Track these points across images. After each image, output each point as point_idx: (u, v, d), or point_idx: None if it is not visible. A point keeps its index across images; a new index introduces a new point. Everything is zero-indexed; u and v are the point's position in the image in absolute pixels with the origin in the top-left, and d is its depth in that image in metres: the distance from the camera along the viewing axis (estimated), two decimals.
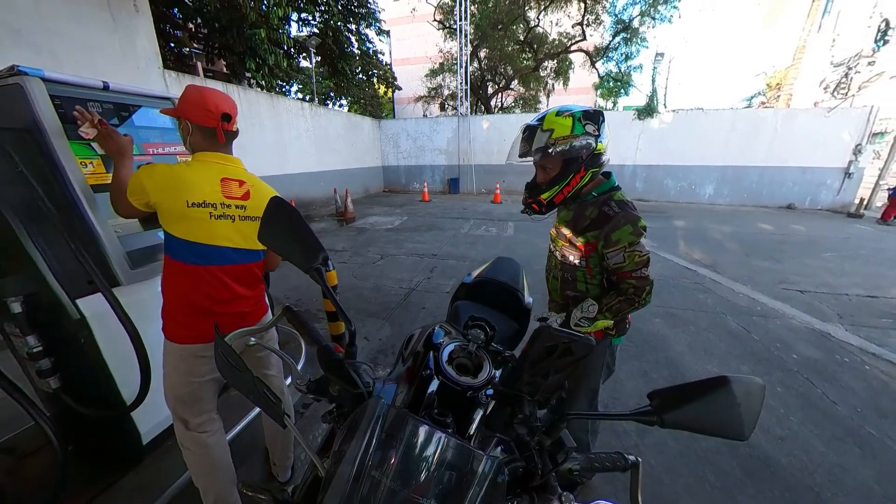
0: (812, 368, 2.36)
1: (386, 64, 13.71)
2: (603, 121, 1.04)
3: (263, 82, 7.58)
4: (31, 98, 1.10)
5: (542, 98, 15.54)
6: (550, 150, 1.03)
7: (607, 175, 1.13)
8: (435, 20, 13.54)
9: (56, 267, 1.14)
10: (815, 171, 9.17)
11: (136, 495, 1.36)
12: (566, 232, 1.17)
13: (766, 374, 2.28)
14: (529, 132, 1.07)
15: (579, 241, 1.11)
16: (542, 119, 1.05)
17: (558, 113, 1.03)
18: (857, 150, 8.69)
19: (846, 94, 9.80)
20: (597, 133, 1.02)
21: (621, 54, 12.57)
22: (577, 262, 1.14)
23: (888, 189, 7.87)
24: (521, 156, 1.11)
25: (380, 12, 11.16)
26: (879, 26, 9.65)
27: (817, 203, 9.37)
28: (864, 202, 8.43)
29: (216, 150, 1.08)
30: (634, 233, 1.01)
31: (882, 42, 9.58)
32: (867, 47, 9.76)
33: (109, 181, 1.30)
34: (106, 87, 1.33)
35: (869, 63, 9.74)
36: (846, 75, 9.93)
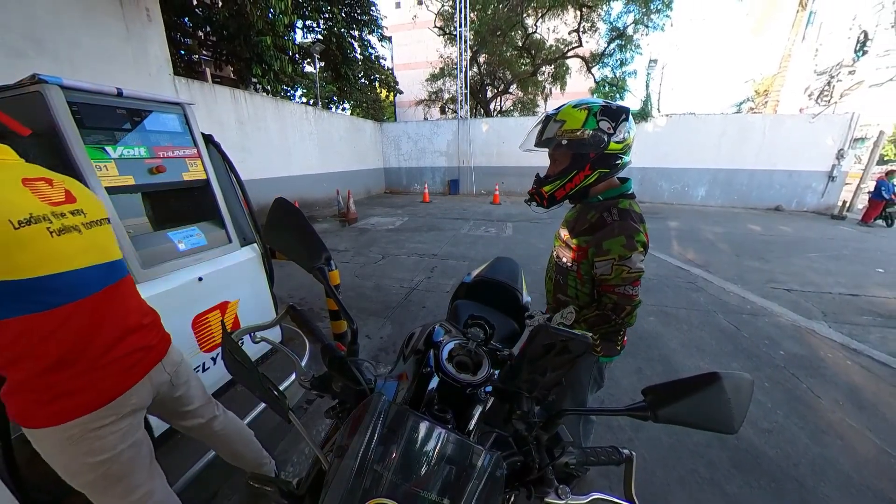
0: (798, 364, 2.37)
1: (388, 69, 13.68)
2: (625, 119, 0.93)
3: (269, 87, 7.57)
4: (50, 104, 1.12)
5: (540, 102, 15.52)
6: (557, 142, 0.95)
7: (624, 180, 1.03)
8: (435, 26, 13.51)
9: None
10: (800, 174, 9.19)
11: None
12: (564, 232, 1.11)
13: (754, 370, 2.29)
14: (545, 121, 1.00)
15: (573, 244, 1.04)
16: (559, 109, 0.98)
17: (577, 105, 0.95)
18: (840, 155, 8.73)
19: (829, 101, 9.87)
20: (612, 131, 0.92)
21: (616, 60, 12.58)
22: (569, 264, 1.07)
23: (868, 192, 7.92)
24: (535, 145, 1.04)
25: (382, 19, 11.14)
26: (858, 38, 9.76)
27: (803, 205, 9.38)
28: (847, 205, 8.49)
29: None
30: (627, 246, 0.91)
31: (861, 52, 9.69)
32: (848, 57, 9.86)
33: (123, 183, 1.31)
34: (119, 94, 1.34)
35: (850, 72, 9.83)
36: (829, 83, 10.02)
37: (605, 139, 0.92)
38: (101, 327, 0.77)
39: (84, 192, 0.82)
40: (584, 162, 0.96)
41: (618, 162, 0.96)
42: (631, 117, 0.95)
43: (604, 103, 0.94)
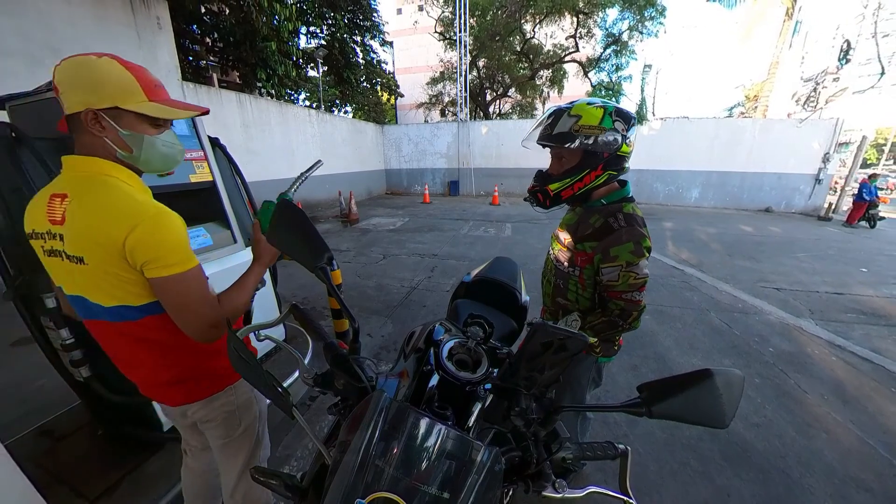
0: (786, 360, 2.37)
1: (389, 73, 13.66)
2: (634, 125, 0.90)
3: (273, 91, 7.55)
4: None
5: (539, 105, 15.50)
6: (572, 138, 0.88)
7: (623, 184, 0.99)
8: (436, 32, 13.48)
9: None
10: (789, 176, 9.21)
11: (158, 477, 1.36)
12: (565, 236, 1.05)
13: (745, 367, 2.29)
14: (556, 115, 0.92)
15: (577, 249, 0.99)
16: (572, 104, 0.92)
17: (590, 102, 0.90)
18: (826, 159, 8.77)
19: (815, 106, 9.94)
20: (625, 133, 0.88)
21: (612, 65, 12.56)
22: (570, 269, 1.02)
23: (852, 195, 7.97)
24: (540, 138, 0.95)
25: (384, 25, 11.12)
26: (842, 46, 9.87)
27: (792, 207, 9.41)
28: (832, 206, 8.53)
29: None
30: (635, 252, 0.88)
31: (845, 61, 9.78)
32: (832, 65, 9.97)
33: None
34: None
35: (834, 79, 9.94)
36: (815, 90, 10.10)
37: (620, 140, 0.88)
38: (107, 350, 0.77)
39: (79, 219, 0.63)
40: (597, 162, 0.90)
41: (625, 165, 0.93)
42: (636, 122, 0.93)
43: (615, 105, 0.90)
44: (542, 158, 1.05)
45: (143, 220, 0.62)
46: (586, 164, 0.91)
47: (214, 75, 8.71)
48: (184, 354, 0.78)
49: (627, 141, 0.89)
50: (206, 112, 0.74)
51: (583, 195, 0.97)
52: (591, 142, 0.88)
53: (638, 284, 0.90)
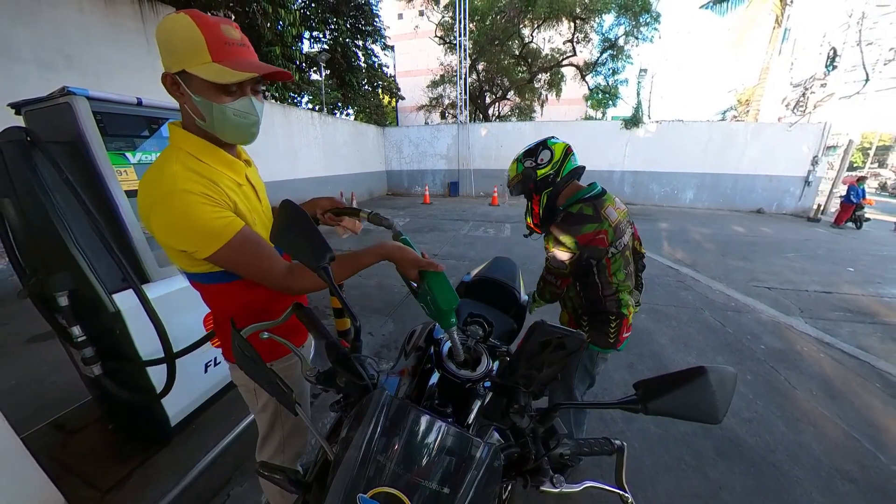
0: (777, 357, 2.38)
1: (390, 76, 13.62)
2: (542, 148, 1.13)
3: (277, 94, 7.53)
4: (77, 114, 1.14)
5: (537, 107, 15.46)
6: (513, 188, 1.22)
7: (589, 186, 1.14)
8: (436, 36, 13.45)
9: (95, 265, 1.15)
10: (780, 179, 9.22)
11: (167, 472, 1.36)
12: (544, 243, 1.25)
13: (737, 364, 2.29)
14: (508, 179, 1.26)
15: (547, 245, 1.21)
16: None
17: (515, 159, 1.20)
18: (815, 161, 8.78)
19: (804, 111, 9.97)
20: (534, 164, 1.13)
21: (609, 69, 12.56)
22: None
23: (840, 196, 7.98)
24: (511, 195, 1.34)
25: (385, 29, 11.08)
26: (828, 54, 9.92)
27: (782, 208, 9.41)
28: (821, 208, 8.55)
29: None
30: (555, 242, 1.10)
31: (831, 67, 9.83)
32: (819, 71, 10.03)
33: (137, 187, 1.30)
34: (139, 103, 1.35)
35: (822, 85, 9.98)
36: (803, 95, 10.13)
37: (532, 172, 1.13)
38: None
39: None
40: (531, 193, 1.18)
41: (551, 179, 1.12)
42: (548, 143, 1.13)
43: (526, 148, 1.18)
44: None
45: (155, 202, 0.59)
46: (528, 197, 1.22)
47: None
48: (216, 313, 0.80)
49: (540, 166, 1.12)
50: (289, 77, 0.64)
51: (548, 210, 1.17)
52: (519, 186, 1.19)
53: (552, 258, 1.13)
